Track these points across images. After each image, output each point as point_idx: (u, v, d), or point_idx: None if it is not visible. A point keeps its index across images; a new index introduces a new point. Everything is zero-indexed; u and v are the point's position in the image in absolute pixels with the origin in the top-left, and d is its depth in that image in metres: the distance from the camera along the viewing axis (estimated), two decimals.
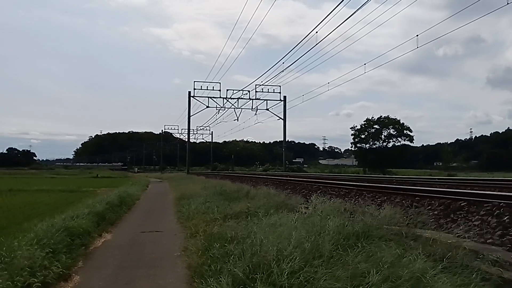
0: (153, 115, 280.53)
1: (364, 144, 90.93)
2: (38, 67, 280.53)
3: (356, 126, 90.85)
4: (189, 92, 55.79)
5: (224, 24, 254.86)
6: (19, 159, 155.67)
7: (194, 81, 54.27)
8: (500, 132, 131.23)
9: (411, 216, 7.62)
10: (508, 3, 16.46)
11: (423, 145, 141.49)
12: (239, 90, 54.45)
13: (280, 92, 54.00)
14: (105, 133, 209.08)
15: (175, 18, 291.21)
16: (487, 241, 6.61)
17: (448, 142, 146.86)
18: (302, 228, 6.48)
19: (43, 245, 7.21)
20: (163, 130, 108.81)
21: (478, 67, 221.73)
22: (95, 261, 8.11)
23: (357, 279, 4.57)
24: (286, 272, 4.83)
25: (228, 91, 54.67)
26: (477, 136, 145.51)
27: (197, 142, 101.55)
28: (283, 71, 35.86)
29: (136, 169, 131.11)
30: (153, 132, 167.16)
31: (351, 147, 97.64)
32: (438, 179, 22.05)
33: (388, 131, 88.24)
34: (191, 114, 58.81)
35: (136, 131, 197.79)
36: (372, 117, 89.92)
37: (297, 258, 5.10)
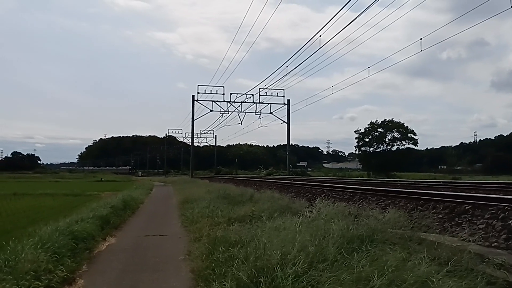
0: (157, 119, 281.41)
1: (368, 148, 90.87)
2: (42, 71, 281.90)
3: (360, 130, 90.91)
4: (193, 96, 56.05)
5: (228, 28, 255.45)
6: (23, 163, 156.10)
7: (198, 85, 54.55)
8: (505, 135, 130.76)
9: (415, 220, 7.60)
10: None
11: (427, 148, 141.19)
12: (243, 94, 54.59)
13: (283, 96, 54.14)
14: (109, 137, 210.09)
15: (179, 22, 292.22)
16: (492, 245, 6.58)
17: (453, 146, 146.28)
18: (306, 231, 6.47)
19: (48, 249, 7.23)
20: (167, 134, 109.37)
21: (482, 70, 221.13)
22: (99, 265, 8.12)
23: (361, 282, 4.56)
24: (290, 276, 4.82)
25: (231, 95, 54.83)
26: (482, 139, 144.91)
27: (201, 146, 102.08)
28: (286, 74, 35.82)
29: (140, 172, 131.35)
30: (157, 136, 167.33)
31: (355, 150, 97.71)
32: (443, 182, 21.99)
33: (392, 134, 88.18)
34: (195, 118, 59.08)
35: (140, 135, 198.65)
36: (376, 121, 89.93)
37: (301, 262, 5.09)
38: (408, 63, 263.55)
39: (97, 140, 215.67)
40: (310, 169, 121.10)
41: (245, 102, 54.45)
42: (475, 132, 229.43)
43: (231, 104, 54.92)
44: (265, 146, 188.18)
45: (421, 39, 23.42)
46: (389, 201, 11.22)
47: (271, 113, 55.60)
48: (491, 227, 7.36)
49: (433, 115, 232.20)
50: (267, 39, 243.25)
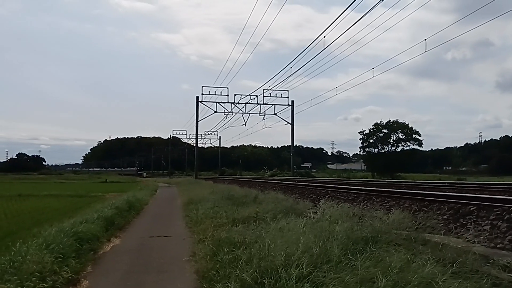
0: (161, 120, 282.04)
1: (373, 149, 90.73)
2: (47, 72, 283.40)
3: (365, 131, 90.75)
4: (197, 97, 56.18)
5: (232, 29, 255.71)
6: (28, 164, 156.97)
7: (202, 86, 54.65)
8: (510, 136, 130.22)
9: (420, 221, 7.58)
10: None
11: (432, 149, 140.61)
12: (247, 95, 54.65)
13: (288, 97, 54.19)
14: (114, 138, 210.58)
15: (183, 24, 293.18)
16: (497, 246, 6.56)
17: (457, 146, 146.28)
18: (311, 233, 6.47)
19: (52, 250, 7.24)
20: (171, 135, 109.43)
21: (487, 71, 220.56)
22: (104, 266, 8.13)
23: (366, 284, 4.55)
24: (295, 277, 4.81)
25: (236, 96, 54.88)
26: (487, 140, 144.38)
27: (205, 147, 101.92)
28: (290, 75, 35.81)
29: (144, 174, 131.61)
30: (162, 137, 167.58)
31: (360, 151, 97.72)
32: (448, 183, 21.91)
33: (397, 135, 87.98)
34: (199, 119, 59.15)
35: (145, 136, 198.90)
36: (381, 121, 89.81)
37: (306, 263, 5.08)
38: (413, 63, 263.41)
39: (102, 141, 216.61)
40: (314, 170, 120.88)
41: (249, 103, 54.58)
42: (480, 133, 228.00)
43: (235, 105, 55.06)
44: (269, 147, 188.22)
45: (425, 39, 23.44)
46: (394, 202, 11.19)
47: (275, 114, 55.76)
48: (496, 228, 7.33)
49: (438, 115, 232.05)
50: (271, 40, 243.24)
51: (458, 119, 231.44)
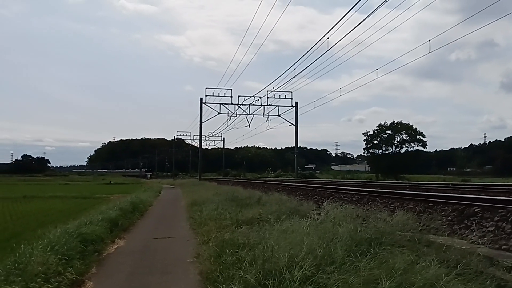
0: (165, 121, 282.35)
1: (377, 150, 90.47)
2: (51, 74, 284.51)
3: (369, 132, 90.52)
4: (201, 99, 56.10)
5: (236, 30, 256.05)
6: (33, 166, 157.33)
7: (206, 88, 54.47)
8: None
9: (424, 222, 7.57)
10: None
11: (436, 150, 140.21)
12: (251, 97, 54.57)
13: (291, 98, 53.99)
14: (118, 139, 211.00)
15: (186, 25, 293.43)
16: (502, 247, 6.54)
17: (462, 147, 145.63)
18: (314, 234, 6.47)
19: (57, 251, 7.27)
20: (175, 137, 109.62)
21: (491, 72, 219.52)
22: (108, 267, 8.16)
23: (370, 285, 4.55)
24: (298, 279, 4.81)
25: (239, 98, 54.84)
26: (491, 141, 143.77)
27: (209, 148, 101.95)
28: (294, 77, 35.77)
29: (148, 175, 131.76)
30: (166, 138, 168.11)
31: (364, 152, 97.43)
32: (452, 184, 21.86)
33: (401, 136, 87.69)
34: (203, 121, 59.07)
35: (149, 137, 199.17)
36: (385, 123, 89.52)
37: (309, 264, 5.09)
38: (417, 64, 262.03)
39: (106, 143, 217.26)
40: (318, 172, 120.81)
41: (253, 104, 54.43)
42: (485, 133, 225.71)
43: (239, 107, 54.96)
44: (273, 148, 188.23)
45: (429, 40, 23.36)
46: (398, 204, 11.17)
47: (279, 115, 55.60)
48: (501, 230, 7.31)
49: (442, 116, 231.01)
50: (274, 41, 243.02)
51: (463, 120, 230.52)
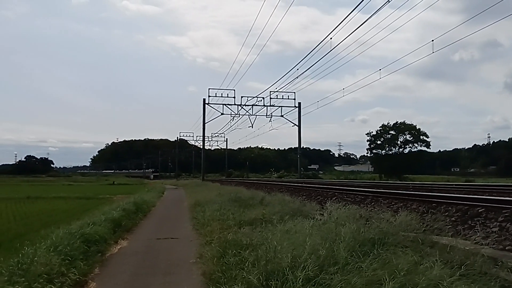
0: (168, 122, 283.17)
1: (380, 150, 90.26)
2: (55, 75, 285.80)
3: (372, 132, 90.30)
4: (204, 100, 56.14)
5: (239, 31, 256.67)
6: (37, 167, 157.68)
7: (209, 88, 54.61)
8: None
9: (427, 223, 7.53)
10: None
11: (440, 150, 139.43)
12: (254, 97, 54.59)
13: (294, 99, 53.99)
14: (122, 140, 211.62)
15: (189, 26, 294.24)
16: (506, 248, 6.50)
17: (466, 148, 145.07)
18: (317, 235, 6.45)
19: (60, 252, 7.29)
20: (178, 137, 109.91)
21: (495, 72, 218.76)
22: (111, 267, 8.17)
23: (373, 286, 4.53)
24: (301, 279, 4.80)
25: (242, 98, 54.86)
26: (495, 141, 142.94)
27: (212, 149, 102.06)
28: (297, 77, 35.85)
29: (151, 176, 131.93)
30: (169, 139, 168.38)
31: (367, 153, 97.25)
32: (455, 185, 21.79)
33: (404, 136, 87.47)
34: (206, 121, 59.07)
35: (152, 138, 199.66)
36: (388, 123, 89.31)
37: (312, 265, 5.07)
38: (420, 64, 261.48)
39: (110, 144, 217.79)
40: (321, 172, 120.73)
41: (256, 105, 54.47)
42: (489, 134, 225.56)
43: (242, 107, 55.00)
44: (276, 149, 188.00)
45: (433, 40, 23.36)
46: (401, 204, 11.15)
47: (282, 116, 55.60)
48: (505, 230, 7.28)
49: (446, 117, 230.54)
50: (277, 42, 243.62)
51: (466, 120, 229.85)
